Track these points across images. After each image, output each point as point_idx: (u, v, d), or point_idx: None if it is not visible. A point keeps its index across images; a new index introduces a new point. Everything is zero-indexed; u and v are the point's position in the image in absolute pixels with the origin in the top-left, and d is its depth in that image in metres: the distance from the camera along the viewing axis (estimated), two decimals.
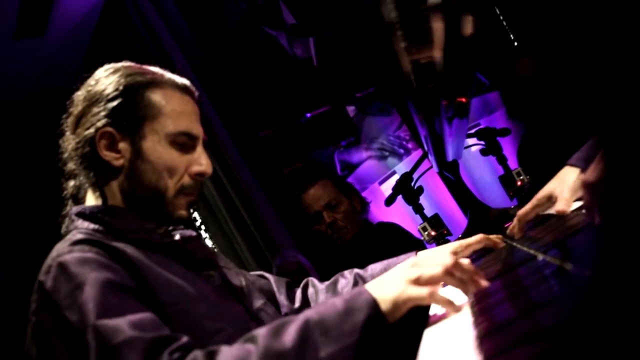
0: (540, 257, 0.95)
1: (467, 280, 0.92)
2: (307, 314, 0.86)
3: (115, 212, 1.13)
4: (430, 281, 0.89)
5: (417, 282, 0.88)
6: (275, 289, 1.41)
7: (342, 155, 3.46)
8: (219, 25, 3.93)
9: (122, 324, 0.89)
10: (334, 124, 3.68)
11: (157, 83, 1.17)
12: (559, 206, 1.23)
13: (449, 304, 0.88)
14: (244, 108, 3.88)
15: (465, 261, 0.98)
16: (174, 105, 1.16)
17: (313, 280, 1.45)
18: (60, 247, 1.04)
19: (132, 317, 0.90)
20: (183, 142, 1.16)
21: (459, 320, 0.86)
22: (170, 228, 1.20)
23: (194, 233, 1.25)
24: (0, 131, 4.59)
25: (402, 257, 1.37)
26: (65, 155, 1.21)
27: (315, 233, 2.58)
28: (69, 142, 1.19)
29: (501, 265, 1.15)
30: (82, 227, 1.10)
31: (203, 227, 4.17)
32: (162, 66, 1.26)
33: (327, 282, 1.43)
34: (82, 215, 1.13)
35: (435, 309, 1.02)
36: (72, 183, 1.21)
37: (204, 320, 1.04)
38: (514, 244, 1.32)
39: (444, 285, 1.04)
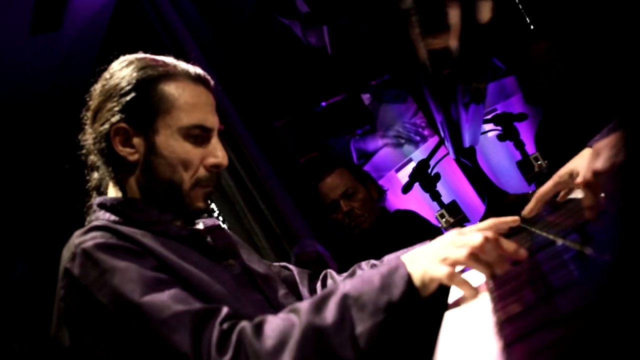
0: (560, 242, 0.94)
1: (494, 262, 0.91)
2: (347, 288, 0.89)
3: (134, 204, 1.15)
4: (455, 263, 0.90)
5: (445, 261, 0.89)
6: (298, 280, 1.42)
7: (358, 143, 3.46)
8: (233, 16, 3.93)
9: (166, 300, 0.92)
10: (349, 113, 3.67)
11: (170, 75, 1.16)
12: (583, 174, 1.18)
13: (467, 287, 0.89)
14: (259, 98, 3.88)
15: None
16: (187, 97, 1.15)
17: (332, 272, 1.46)
18: (80, 234, 1.06)
19: (170, 292, 0.94)
20: (197, 135, 1.16)
21: (478, 306, 0.86)
22: (190, 224, 1.23)
23: (217, 222, 1.27)
24: (20, 126, 4.64)
25: (416, 246, 1.36)
26: (86, 148, 1.23)
27: (332, 222, 2.58)
28: (88, 136, 1.21)
29: None
30: (102, 218, 1.13)
31: (221, 218, 4.20)
32: (176, 57, 1.26)
33: (345, 274, 1.44)
34: (103, 206, 1.15)
35: (454, 294, 1.02)
36: (95, 175, 1.24)
37: (222, 302, 1.05)
38: (533, 229, 1.31)
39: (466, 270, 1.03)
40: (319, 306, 0.88)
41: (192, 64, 1.25)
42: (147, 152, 1.14)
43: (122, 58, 1.21)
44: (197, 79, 1.20)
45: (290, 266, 1.46)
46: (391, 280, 0.87)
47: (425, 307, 0.90)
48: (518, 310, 0.69)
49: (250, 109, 3.87)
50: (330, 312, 0.86)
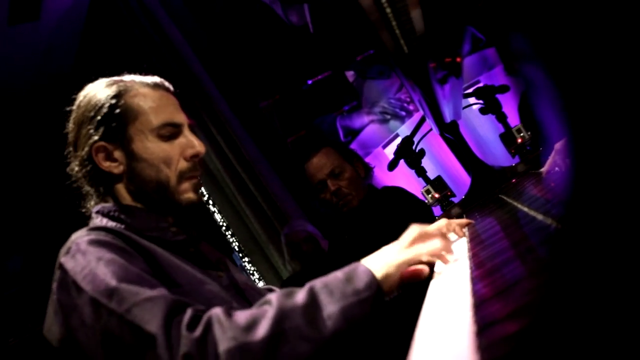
0: (540, 217, 0.95)
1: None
2: (312, 282, 0.96)
3: (131, 210, 1.20)
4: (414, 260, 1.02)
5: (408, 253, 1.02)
6: None
7: (344, 121, 3.45)
8: None
9: (142, 287, 0.95)
10: (335, 89, 3.66)
11: (130, 88, 1.24)
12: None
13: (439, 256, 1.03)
14: (243, 80, 3.86)
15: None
16: (150, 102, 1.23)
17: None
18: (79, 232, 1.11)
19: (150, 283, 0.97)
20: (169, 132, 1.22)
21: (456, 271, 0.94)
22: (186, 232, 1.26)
23: (205, 243, 1.33)
24: (5, 118, 4.61)
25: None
26: (76, 178, 1.28)
27: (321, 201, 2.58)
28: (74, 167, 1.26)
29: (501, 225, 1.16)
30: (100, 224, 1.17)
31: (211, 201, 4.20)
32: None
33: None
34: (101, 213, 1.20)
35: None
36: (92, 203, 1.28)
37: (212, 300, 1.10)
38: (516, 203, 1.32)
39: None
40: (289, 293, 0.94)
41: (148, 74, 1.32)
42: (129, 160, 1.20)
43: (85, 88, 1.28)
44: (155, 86, 1.27)
45: (275, 288, 1.51)
46: (354, 274, 0.96)
47: (393, 302, 1.00)
48: (491, 294, 0.70)
49: (234, 91, 3.85)
50: (300, 297, 0.92)
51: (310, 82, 3.83)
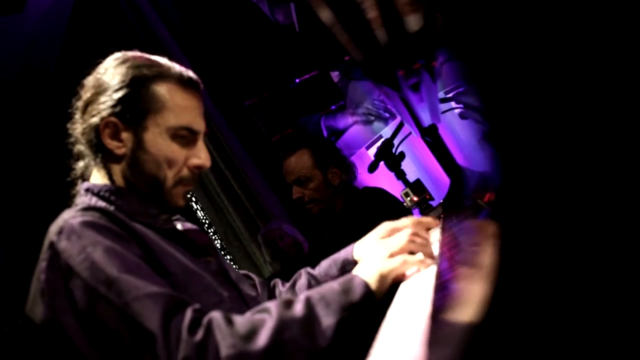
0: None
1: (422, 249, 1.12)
2: (309, 292, 0.98)
3: (122, 193, 1.18)
4: (400, 252, 1.09)
5: (392, 255, 1.07)
6: (259, 288, 1.47)
7: (328, 121, 3.44)
8: None
9: (143, 280, 0.94)
10: (323, 89, 3.65)
11: (163, 77, 1.20)
12: None
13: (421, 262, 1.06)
14: (229, 78, 3.84)
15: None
16: (178, 99, 1.20)
17: (279, 281, 1.53)
18: (70, 211, 1.08)
19: (149, 276, 0.97)
20: (184, 136, 1.20)
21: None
22: (175, 217, 1.29)
23: (195, 226, 1.33)
24: None
25: (342, 251, 1.44)
26: (74, 137, 1.25)
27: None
28: (78, 126, 1.23)
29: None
30: (89, 203, 1.15)
31: (193, 199, 4.19)
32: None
33: (288, 284, 1.50)
34: (91, 191, 1.18)
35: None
36: (80, 164, 1.26)
37: (203, 293, 1.10)
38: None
39: None
40: (288, 304, 0.95)
41: (184, 65, 1.28)
42: (135, 147, 1.18)
43: (117, 54, 1.24)
44: (188, 82, 1.24)
45: (252, 275, 1.52)
46: (350, 285, 0.98)
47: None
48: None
49: (220, 90, 3.83)
50: (298, 308, 0.93)
51: (298, 80, 3.82)
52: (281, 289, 1.50)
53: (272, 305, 0.95)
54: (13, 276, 4.45)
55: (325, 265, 1.45)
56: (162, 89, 1.18)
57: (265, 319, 0.91)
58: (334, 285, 0.99)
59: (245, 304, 1.24)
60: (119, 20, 3.92)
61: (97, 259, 0.96)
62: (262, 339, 0.88)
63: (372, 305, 0.97)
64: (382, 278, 1.01)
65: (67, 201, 1.26)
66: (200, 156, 1.22)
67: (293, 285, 1.48)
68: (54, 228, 1.05)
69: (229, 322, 0.91)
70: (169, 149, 1.18)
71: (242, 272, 1.50)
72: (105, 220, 1.06)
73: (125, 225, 1.08)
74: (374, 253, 1.10)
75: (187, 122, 1.20)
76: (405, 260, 1.05)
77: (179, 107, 1.19)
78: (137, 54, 1.25)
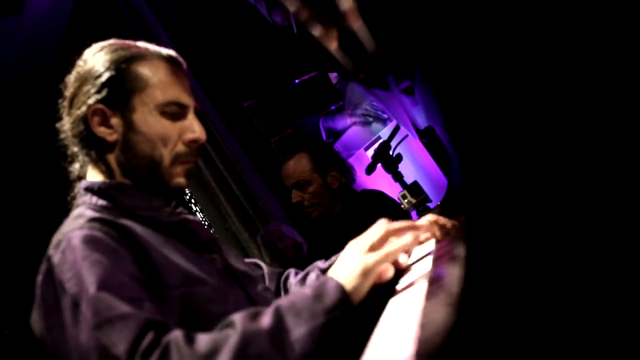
0: None
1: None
2: (279, 301, 0.91)
3: (122, 188, 1.15)
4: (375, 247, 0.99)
5: (371, 250, 0.97)
6: (267, 279, 1.43)
7: (327, 122, 3.45)
8: None
9: (121, 300, 0.91)
10: (322, 89, 3.65)
11: (143, 56, 1.18)
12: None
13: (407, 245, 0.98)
14: (228, 79, 3.85)
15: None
16: (161, 75, 1.17)
17: (292, 271, 1.47)
18: (71, 222, 1.06)
19: (130, 296, 0.92)
20: (173, 112, 1.17)
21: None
22: (178, 210, 1.22)
23: (197, 218, 1.27)
24: None
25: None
26: (65, 138, 1.22)
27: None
28: (66, 122, 1.21)
29: None
30: (90, 203, 1.13)
31: (193, 200, 4.19)
32: (145, 39, 1.27)
33: (300, 274, 1.45)
34: (90, 190, 1.15)
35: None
36: (76, 166, 1.23)
37: (208, 304, 1.06)
38: None
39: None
40: (254, 316, 0.88)
41: (164, 46, 1.26)
42: (126, 130, 1.15)
43: (94, 45, 1.22)
44: (169, 59, 1.21)
45: (261, 264, 1.47)
46: (323, 290, 0.90)
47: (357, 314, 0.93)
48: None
49: (219, 91, 3.83)
50: (265, 320, 0.86)
51: (297, 81, 3.82)
52: (292, 280, 1.44)
53: (237, 319, 0.88)
54: (14, 278, 4.45)
55: (334, 259, 1.39)
56: (144, 68, 1.16)
57: (228, 335, 0.85)
58: (307, 290, 0.91)
59: (251, 303, 1.19)
60: (118, 22, 3.92)
61: (82, 274, 0.94)
62: (224, 357, 0.82)
63: (349, 309, 0.89)
64: (363, 276, 0.93)
65: (67, 202, 1.24)
66: (195, 129, 1.19)
67: (304, 278, 1.43)
68: (54, 240, 1.03)
69: (190, 341, 0.86)
70: (160, 126, 1.15)
71: (250, 260, 1.46)
72: (104, 231, 1.03)
73: (126, 232, 1.05)
74: (350, 251, 0.99)
75: (174, 96, 1.17)
76: (387, 253, 0.96)
77: (164, 82, 1.17)
78: (113, 40, 1.22)
